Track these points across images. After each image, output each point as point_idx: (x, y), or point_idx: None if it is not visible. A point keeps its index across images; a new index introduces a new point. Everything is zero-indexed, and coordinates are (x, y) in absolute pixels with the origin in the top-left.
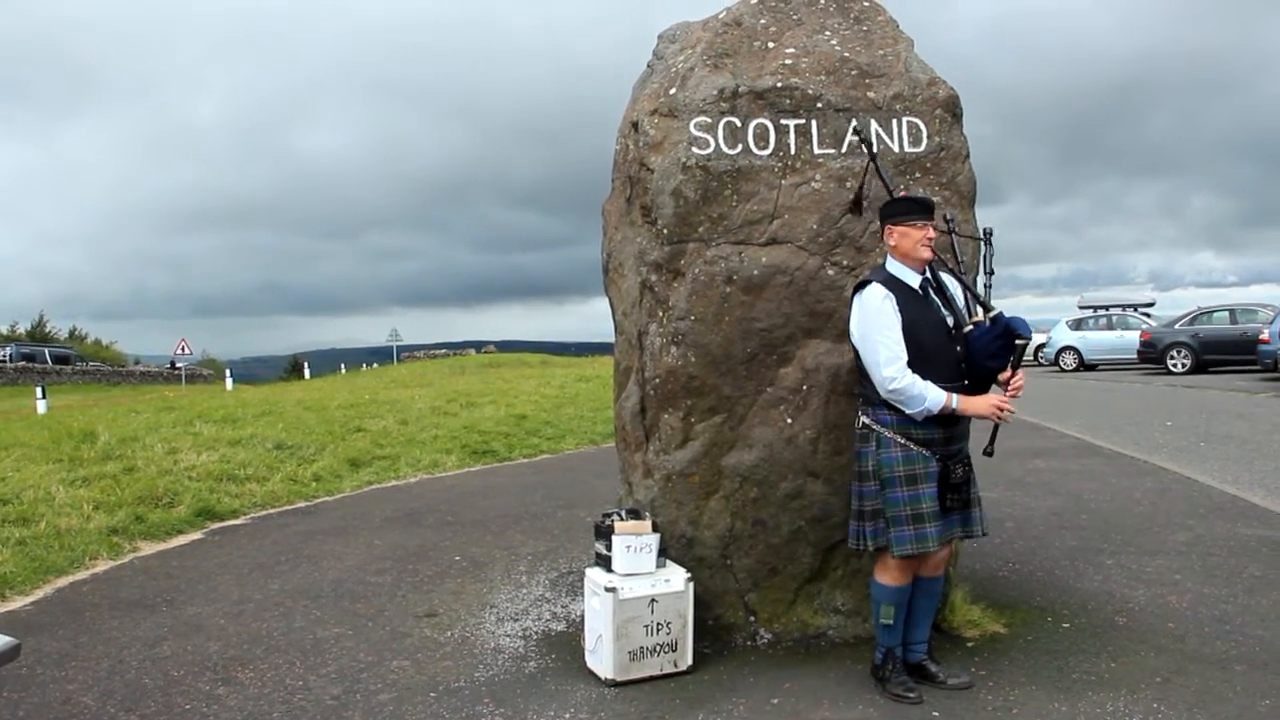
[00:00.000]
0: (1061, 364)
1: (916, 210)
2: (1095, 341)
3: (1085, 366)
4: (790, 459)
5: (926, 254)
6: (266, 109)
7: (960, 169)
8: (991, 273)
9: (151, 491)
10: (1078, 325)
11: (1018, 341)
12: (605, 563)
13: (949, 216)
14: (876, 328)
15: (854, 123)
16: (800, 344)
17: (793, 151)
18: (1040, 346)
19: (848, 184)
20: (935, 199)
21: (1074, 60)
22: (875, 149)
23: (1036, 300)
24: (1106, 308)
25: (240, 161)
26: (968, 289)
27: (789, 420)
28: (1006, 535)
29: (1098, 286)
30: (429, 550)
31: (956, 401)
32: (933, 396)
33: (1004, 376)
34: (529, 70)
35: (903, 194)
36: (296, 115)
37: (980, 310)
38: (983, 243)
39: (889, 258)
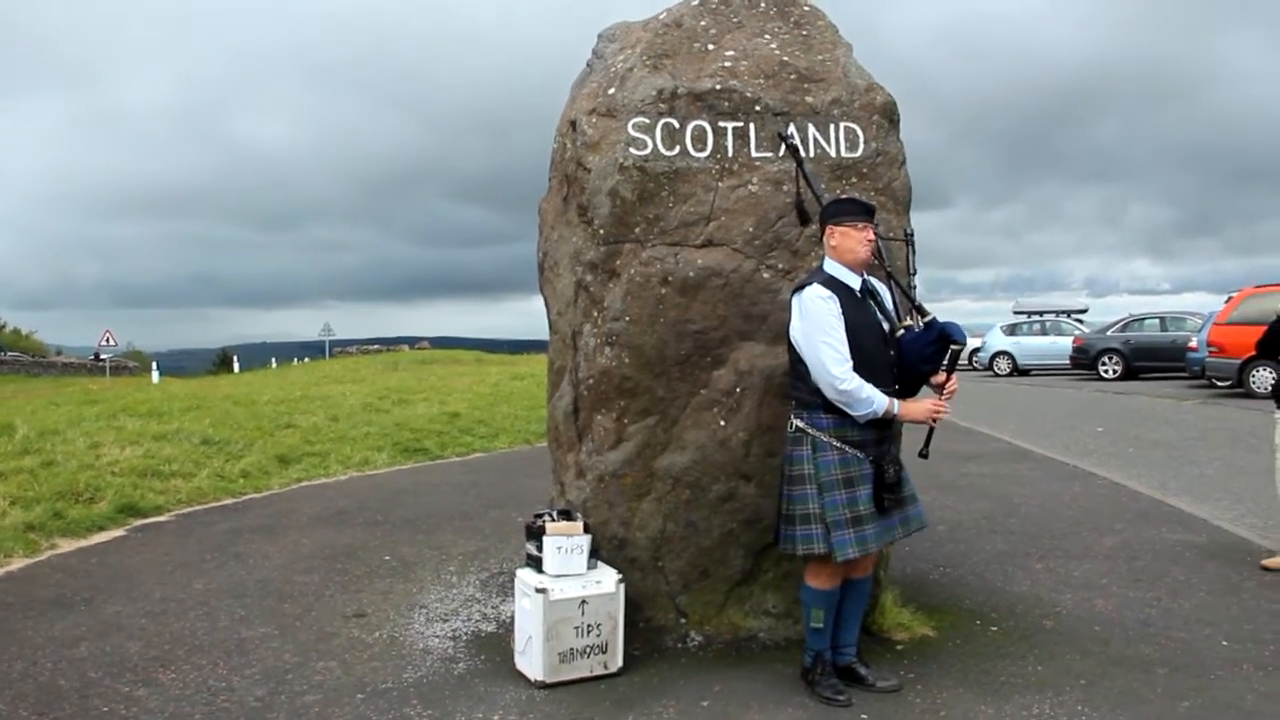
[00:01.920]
0: (995, 369)
1: (857, 211)
2: (1029, 347)
3: (1019, 371)
4: (723, 461)
5: (866, 254)
6: (207, 93)
7: (896, 174)
8: (914, 272)
9: (72, 487)
10: (1012, 330)
11: (953, 347)
12: (536, 564)
13: (876, 221)
14: (821, 329)
15: (790, 127)
16: (734, 346)
17: (730, 154)
18: (975, 351)
19: (784, 187)
20: (874, 203)
21: (1026, 65)
22: (802, 153)
23: (973, 304)
24: (1041, 313)
25: (177, 147)
26: (903, 292)
27: (722, 422)
28: (938, 538)
29: (1034, 292)
30: (358, 549)
31: (897, 406)
32: (879, 400)
33: (938, 380)
34: (484, 60)
35: (843, 195)
36: (238, 100)
37: (913, 314)
38: (905, 245)
39: (827, 259)
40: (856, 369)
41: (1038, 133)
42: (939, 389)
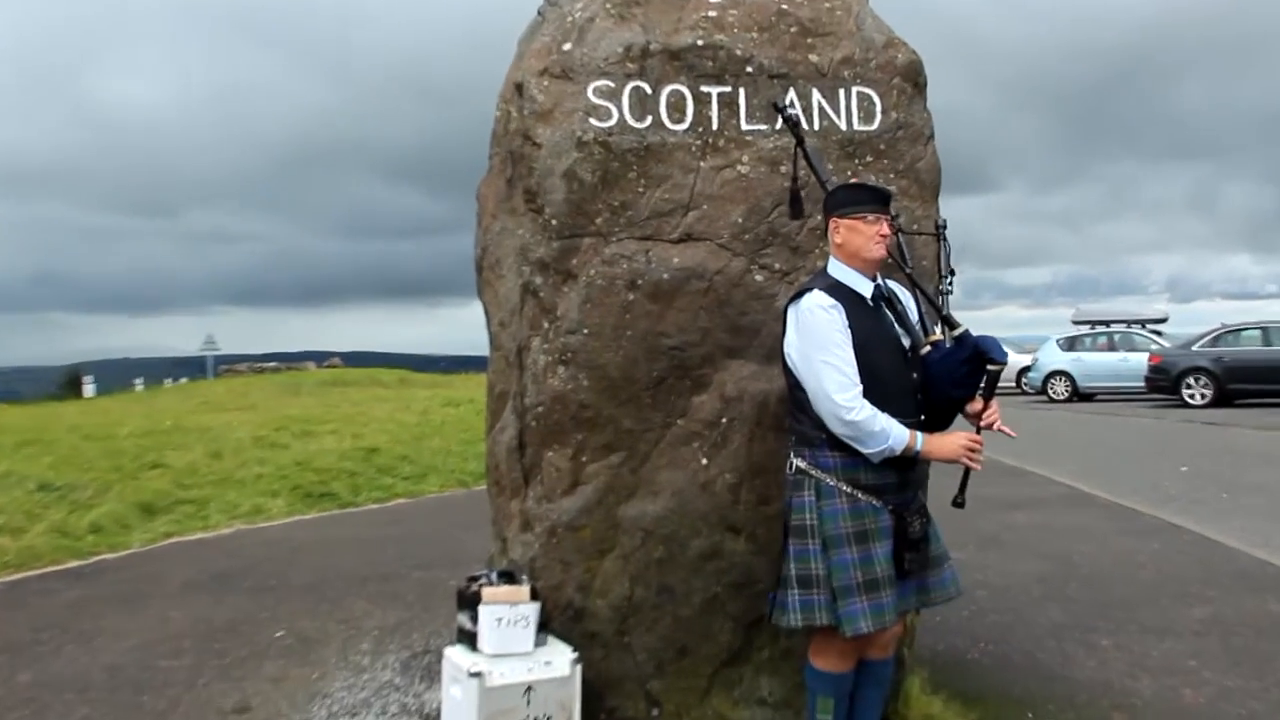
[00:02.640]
0: (1051, 392)
1: (869, 200)
2: (1093, 365)
3: (1080, 396)
4: (705, 510)
5: (880, 253)
6: (60, 42)
7: (921, 152)
8: (951, 274)
9: None
10: (1071, 345)
11: (990, 367)
12: (470, 640)
13: (893, 213)
14: (823, 346)
15: (790, 93)
16: (719, 366)
17: (715, 126)
18: (1025, 371)
19: (782, 168)
20: (891, 189)
21: (1089, 18)
22: (804, 126)
23: (1023, 312)
24: (1108, 323)
25: (17, 110)
26: (929, 300)
27: (704, 461)
28: (978, 607)
29: (1100, 296)
30: (243, 624)
31: (921, 441)
32: (897, 433)
33: (974, 409)
34: (417, 10)
35: (852, 180)
36: (101, 53)
37: (941, 326)
38: (936, 239)
39: (832, 259)
40: (868, 395)
41: (1108, 98)
42: (975, 419)
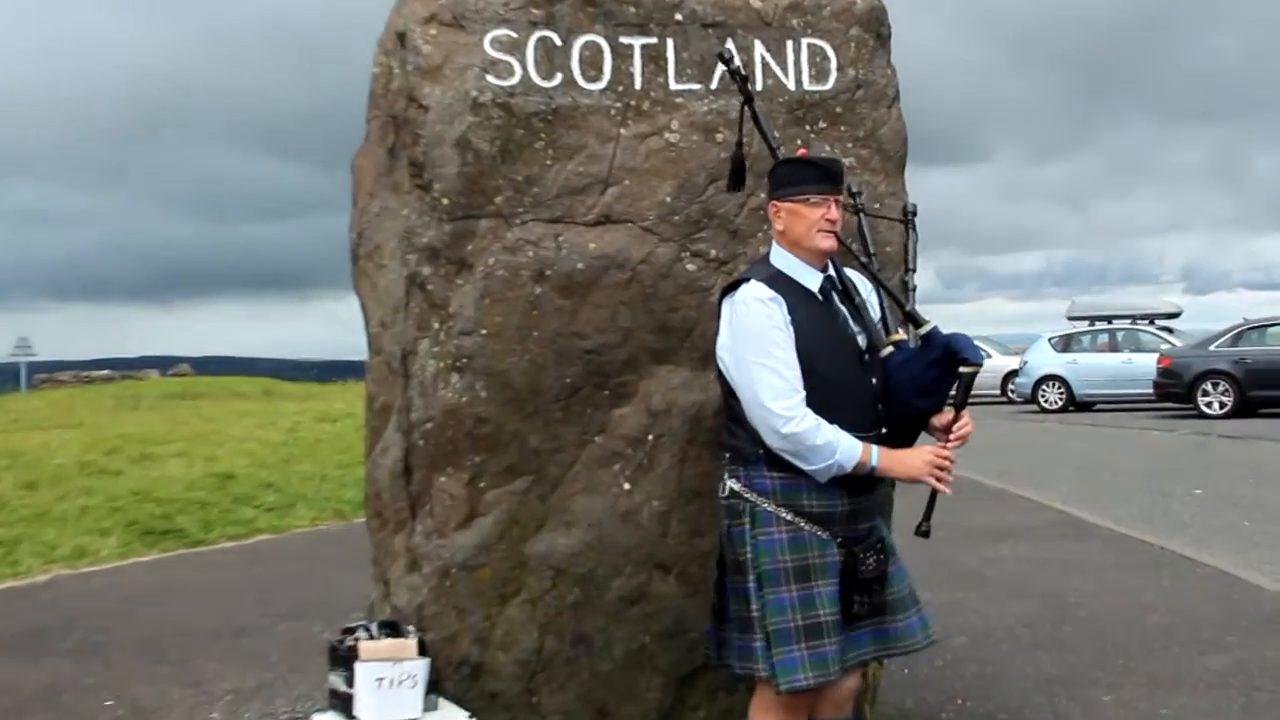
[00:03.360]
0: (1042, 401)
1: (813, 178)
2: (1092, 368)
3: (1077, 405)
4: (628, 544)
5: (826, 243)
6: None
7: (884, 117)
8: (912, 268)
9: None
10: (1066, 345)
11: (963, 369)
12: (345, 705)
13: (854, 189)
14: (758, 346)
15: (729, 45)
16: (645, 373)
17: (638, 86)
18: (1011, 375)
19: (719, 136)
20: (846, 160)
21: None
22: (752, 85)
23: (1011, 305)
24: (1109, 319)
25: None
26: (889, 293)
27: (627, 486)
28: (954, 656)
29: (1103, 286)
30: (64, 692)
31: (877, 457)
32: (845, 447)
33: (941, 421)
34: None
35: (800, 152)
36: None
37: (903, 325)
38: (904, 225)
39: (774, 246)
40: (815, 403)
41: (1117, 47)
42: (944, 433)
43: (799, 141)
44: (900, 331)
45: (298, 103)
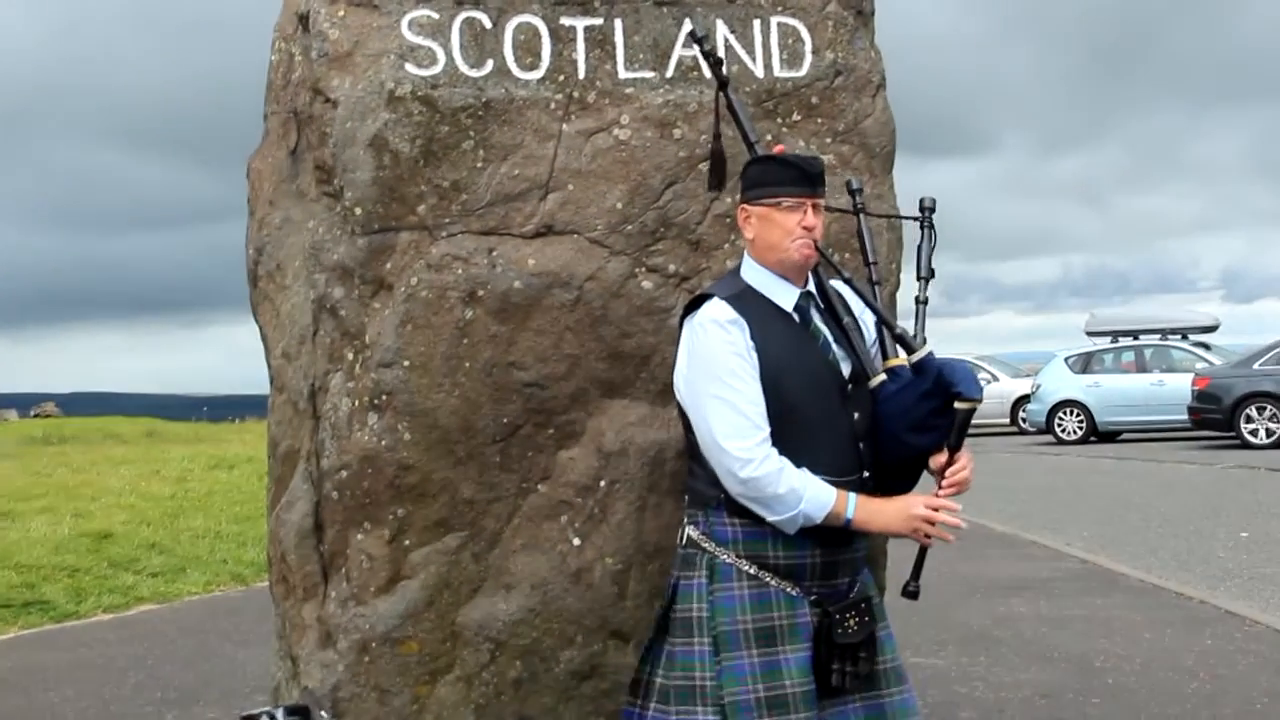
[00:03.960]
0: (1059, 430)
1: (787, 179)
2: (1116, 392)
3: (1099, 435)
4: (579, 609)
5: (802, 254)
6: None
7: (868, 107)
8: (929, 276)
9: None
10: (1086, 365)
11: (958, 405)
12: None
13: (855, 186)
14: (713, 377)
15: (688, 24)
16: (595, 409)
17: (581, 75)
18: (1023, 401)
19: (676, 133)
20: (825, 158)
21: None
22: (727, 69)
23: (1021, 319)
24: (1135, 334)
25: None
26: (873, 311)
27: (576, 541)
28: None
29: (1128, 296)
30: None
31: (853, 508)
32: (813, 495)
33: (936, 462)
34: None
35: (777, 149)
36: None
37: (898, 350)
38: (920, 226)
39: (746, 257)
40: (784, 442)
41: (1145, 21)
42: (939, 475)
43: (769, 137)
44: (901, 357)
45: (187, 92)
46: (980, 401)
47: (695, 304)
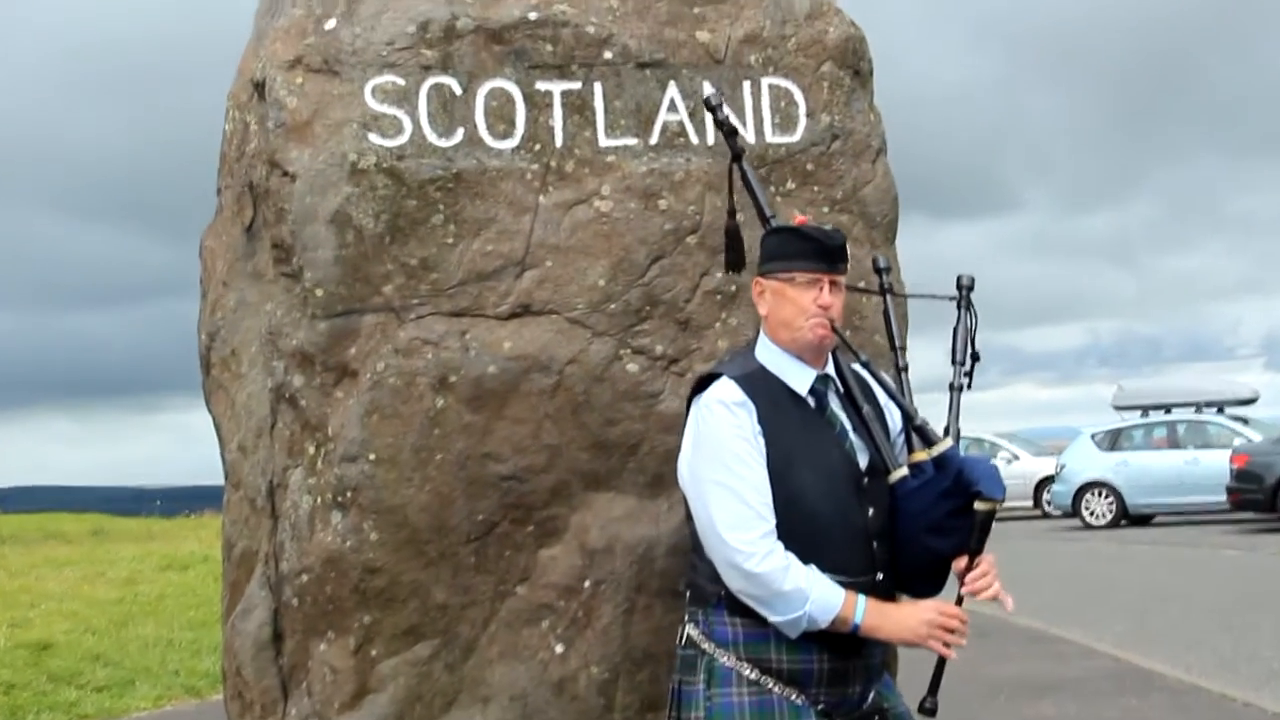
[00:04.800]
0: (1087, 514)
1: (803, 252)
2: (1148, 471)
3: (1131, 518)
4: None
5: (816, 334)
6: None
7: (867, 173)
8: (974, 359)
9: None
10: (1115, 441)
11: (978, 506)
12: None
13: (882, 264)
14: (717, 462)
15: (707, 88)
16: (578, 504)
17: (559, 143)
18: (1046, 483)
19: (662, 203)
20: (838, 234)
21: None
22: (741, 140)
23: (1044, 392)
24: (1167, 407)
25: None
26: (891, 398)
27: (559, 648)
28: None
29: (1161, 365)
30: None
31: (862, 612)
32: (819, 596)
33: (959, 567)
34: None
35: (798, 221)
36: None
37: (916, 441)
38: (958, 306)
39: (761, 335)
40: (790, 538)
41: (1177, 64)
42: (959, 580)
43: (795, 212)
44: (926, 451)
45: (144, 155)
46: (1002, 503)
47: (703, 383)
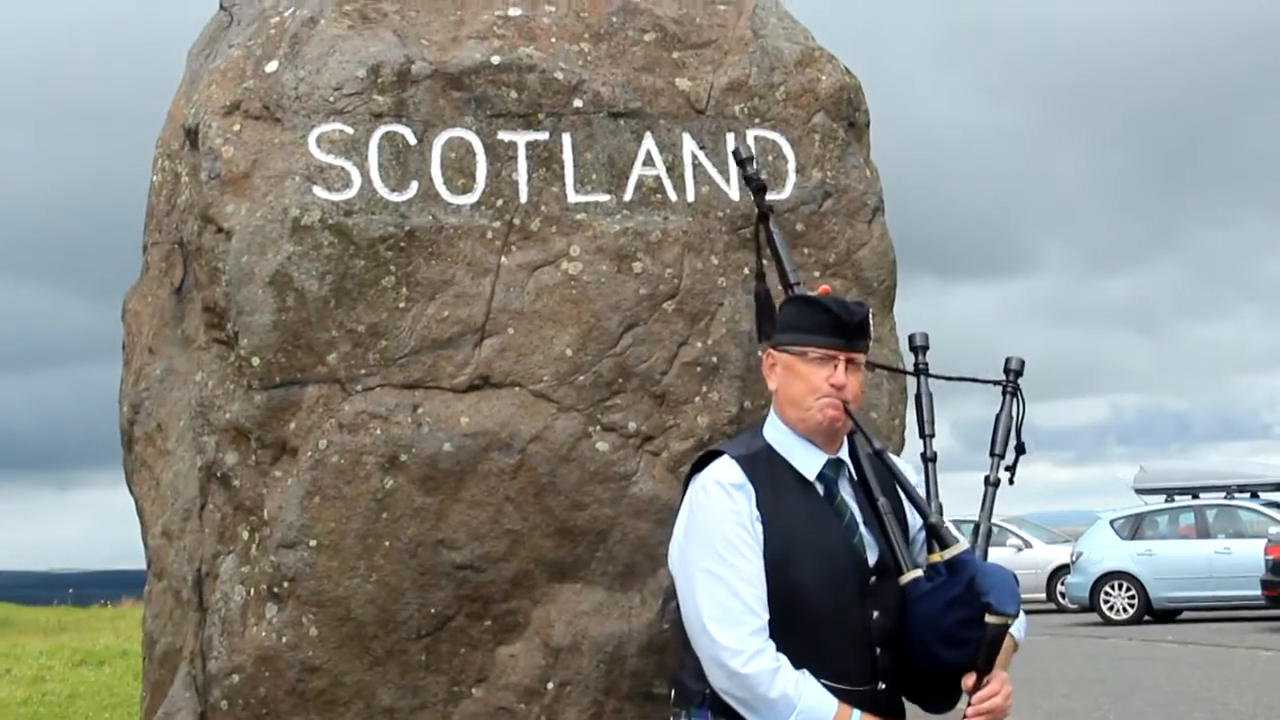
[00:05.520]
0: (1105, 608)
1: (817, 326)
2: (1173, 562)
3: (1155, 614)
4: None
5: (826, 415)
6: None
7: (863, 235)
8: (1018, 452)
9: None
10: (1136, 528)
11: (989, 619)
12: None
13: (920, 342)
14: (708, 549)
15: (731, 141)
16: (541, 596)
17: (524, 199)
18: (1061, 573)
19: (636, 266)
20: (862, 303)
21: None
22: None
23: (1061, 473)
24: (1194, 491)
25: None
26: (905, 493)
27: None
28: None
29: (1188, 444)
30: None
31: None
32: (809, 706)
33: (965, 683)
34: (48, 10)
35: (821, 290)
36: None
37: (931, 543)
38: (1003, 392)
39: (771, 412)
40: (782, 635)
41: (1208, 117)
42: (968, 696)
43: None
44: (940, 554)
45: (62, 198)
46: (1014, 618)
47: (703, 462)
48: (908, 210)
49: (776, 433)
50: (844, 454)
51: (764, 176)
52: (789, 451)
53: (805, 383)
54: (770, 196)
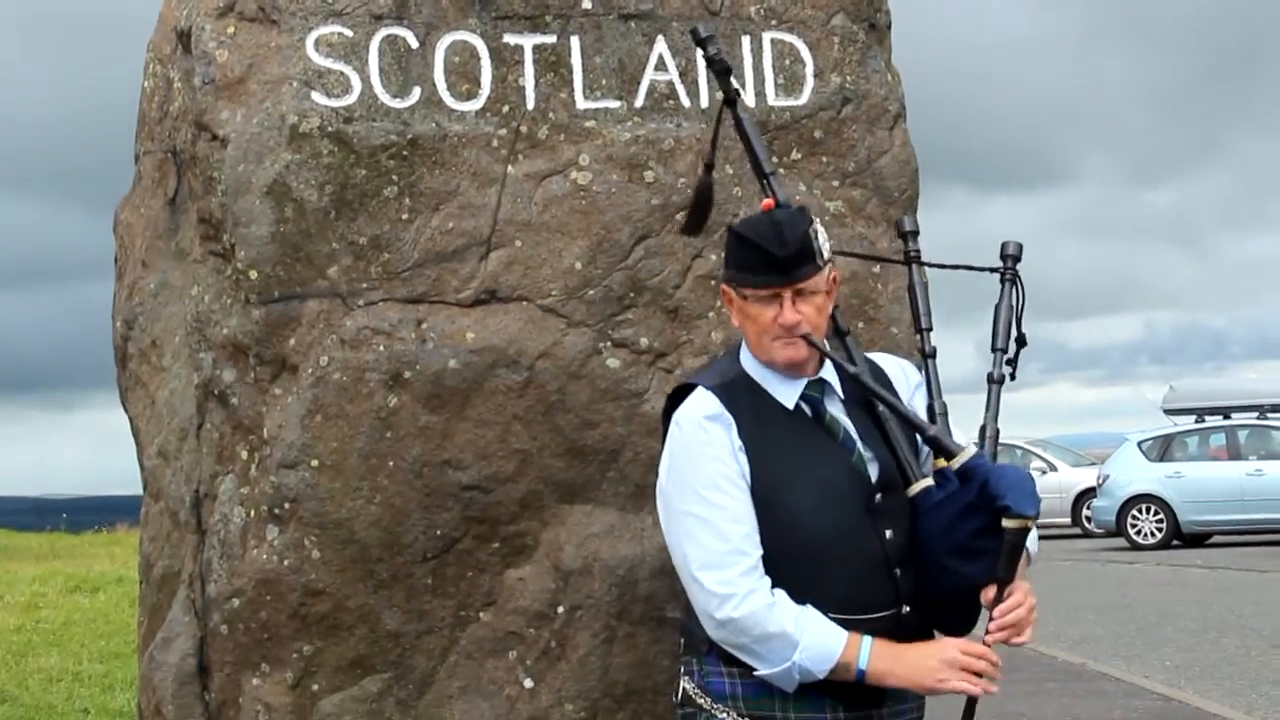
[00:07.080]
0: (1133, 532)
1: (750, 264)
2: (1203, 484)
3: (1184, 538)
4: None
5: (785, 355)
6: None
7: (884, 142)
8: (1019, 344)
9: None
10: (1165, 450)
11: (1006, 523)
12: None
13: (908, 227)
14: (689, 489)
15: (702, 31)
16: (550, 518)
17: (530, 105)
18: (1087, 496)
19: (648, 175)
20: (831, 205)
21: None
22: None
23: (1088, 392)
24: (1226, 411)
25: None
26: (889, 407)
27: (527, 683)
28: None
29: (1223, 362)
30: None
31: (868, 656)
32: (813, 641)
33: (986, 597)
34: None
35: (764, 205)
36: None
37: (935, 448)
38: (1001, 280)
39: (744, 342)
40: (785, 573)
41: (1263, 24)
42: (989, 610)
43: (761, 181)
44: (955, 460)
45: (63, 110)
46: (1035, 519)
47: (678, 396)
48: (938, 119)
49: (751, 362)
50: (825, 372)
51: (724, 57)
52: (765, 381)
53: (755, 324)
54: (786, 102)
